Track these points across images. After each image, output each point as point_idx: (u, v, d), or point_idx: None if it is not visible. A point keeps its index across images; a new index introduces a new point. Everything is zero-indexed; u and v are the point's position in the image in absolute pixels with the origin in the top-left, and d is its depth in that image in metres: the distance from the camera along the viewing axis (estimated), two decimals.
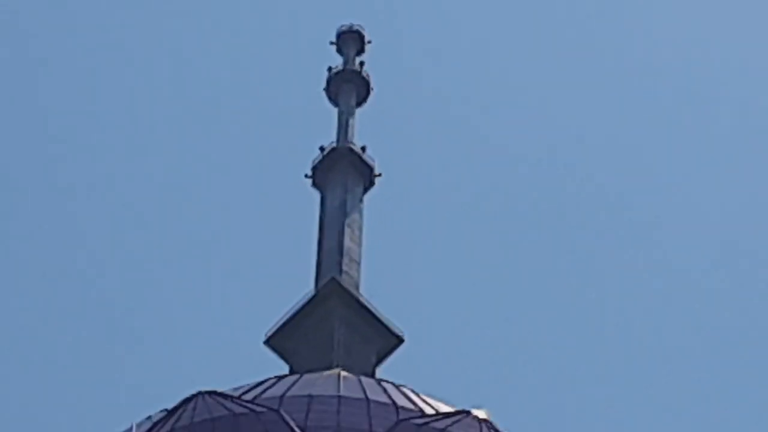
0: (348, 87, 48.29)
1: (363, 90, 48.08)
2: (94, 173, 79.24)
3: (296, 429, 32.04)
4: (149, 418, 35.26)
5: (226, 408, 32.78)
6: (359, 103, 48.27)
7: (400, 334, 40.76)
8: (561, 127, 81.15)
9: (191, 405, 32.95)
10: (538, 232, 76.95)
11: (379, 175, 45.77)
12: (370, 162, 45.69)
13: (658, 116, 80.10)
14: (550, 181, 78.99)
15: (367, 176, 45.28)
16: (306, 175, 45.91)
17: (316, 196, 45.44)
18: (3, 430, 64.13)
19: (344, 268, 42.78)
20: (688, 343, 77.23)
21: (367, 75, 48.60)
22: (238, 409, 32.64)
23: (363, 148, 45.64)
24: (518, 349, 72.10)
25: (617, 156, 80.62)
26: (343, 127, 46.68)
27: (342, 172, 45.09)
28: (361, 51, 49.68)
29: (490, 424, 32.97)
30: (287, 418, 31.85)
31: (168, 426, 33.59)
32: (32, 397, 71.59)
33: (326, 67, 49.11)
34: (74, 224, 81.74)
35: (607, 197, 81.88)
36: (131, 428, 35.67)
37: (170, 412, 33.84)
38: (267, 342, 40.82)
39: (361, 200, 45.17)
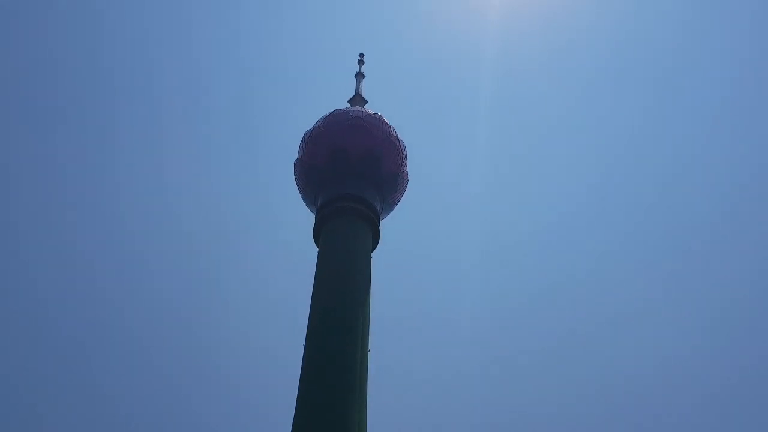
0: None
1: None
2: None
3: (352, 116, 60.49)
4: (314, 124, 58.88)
5: (343, 112, 63.13)
6: None
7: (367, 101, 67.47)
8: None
9: (333, 112, 61.73)
10: None
11: None
12: None
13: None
14: None
15: None
16: None
17: None
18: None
19: None
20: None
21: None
22: (344, 112, 63.14)
23: None
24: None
25: None
26: None
27: None
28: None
29: (381, 117, 58.26)
30: (351, 113, 61.66)
31: (328, 116, 60.10)
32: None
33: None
34: None
35: None
36: (318, 120, 57.99)
37: (324, 117, 59.99)
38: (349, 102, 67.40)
39: None
